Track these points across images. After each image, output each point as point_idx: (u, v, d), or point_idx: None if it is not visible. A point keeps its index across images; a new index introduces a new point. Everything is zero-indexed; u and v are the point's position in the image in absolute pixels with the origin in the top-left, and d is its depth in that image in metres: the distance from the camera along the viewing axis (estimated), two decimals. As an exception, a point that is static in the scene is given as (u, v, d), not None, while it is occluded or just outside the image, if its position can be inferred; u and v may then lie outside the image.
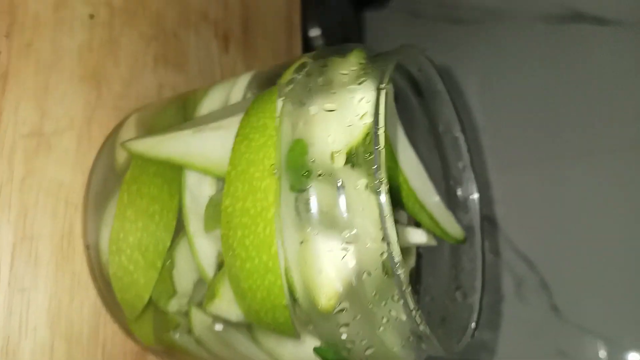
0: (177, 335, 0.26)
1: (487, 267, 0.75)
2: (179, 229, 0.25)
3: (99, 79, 0.32)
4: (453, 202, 0.30)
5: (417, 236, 0.27)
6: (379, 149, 0.18)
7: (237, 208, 0.20)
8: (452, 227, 0.29)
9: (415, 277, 0.30)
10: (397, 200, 0.28)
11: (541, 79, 0.70)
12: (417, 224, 0.30)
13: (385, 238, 0.17)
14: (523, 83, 0.70)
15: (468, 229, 0.29)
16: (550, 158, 0.68)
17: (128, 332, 0.30)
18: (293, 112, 0.20)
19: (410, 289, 0.18)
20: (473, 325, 0.25)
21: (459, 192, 0.30)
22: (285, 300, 0.20)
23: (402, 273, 0.17)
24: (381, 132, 0.18)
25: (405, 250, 0.29)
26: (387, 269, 0.18)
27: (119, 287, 0.26)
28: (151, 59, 0.36)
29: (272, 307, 0.20)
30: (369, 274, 0.19)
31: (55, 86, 0.30)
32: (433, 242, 0.28)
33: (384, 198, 0.18)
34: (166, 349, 0.28)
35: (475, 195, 0.29)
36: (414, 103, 0.30)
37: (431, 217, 0.28)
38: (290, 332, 0.21)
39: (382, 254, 0.18)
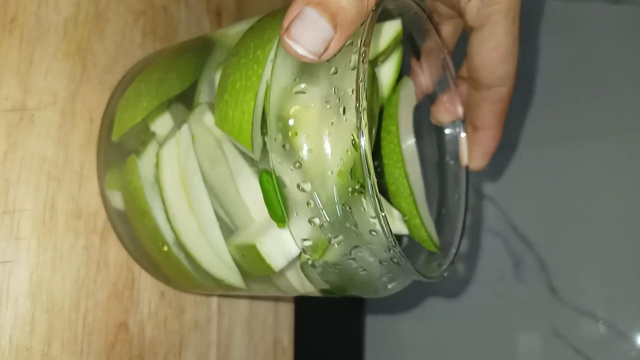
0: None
1: (486, 246, 0.74)
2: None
3: (84, 54, 0.33)
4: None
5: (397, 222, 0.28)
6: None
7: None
8: (432, 232, 0.31)
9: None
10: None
11: (549, 57, 0.68)
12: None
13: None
14: (529, 60, 0.69)
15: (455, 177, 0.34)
16: (554, 139, 0.68)
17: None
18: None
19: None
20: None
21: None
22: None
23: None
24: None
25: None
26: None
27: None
28: (139, 33, 0.36)
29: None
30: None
31: (39, 61, 0.30)
32: (405, 232, 0.29)
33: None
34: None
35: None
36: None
37: (416, 207, 0.29)
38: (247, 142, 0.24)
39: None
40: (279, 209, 0.24)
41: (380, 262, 0.24)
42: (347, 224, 0.23)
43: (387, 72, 0.34)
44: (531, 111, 0.71)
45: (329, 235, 0.24)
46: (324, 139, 0.23)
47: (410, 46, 0.34)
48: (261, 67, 0.25)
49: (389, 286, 0.26)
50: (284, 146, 0.23)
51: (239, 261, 0.28)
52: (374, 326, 0.78)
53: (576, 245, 0.67)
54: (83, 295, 0.31)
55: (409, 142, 0.35)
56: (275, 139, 0.24)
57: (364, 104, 0.22)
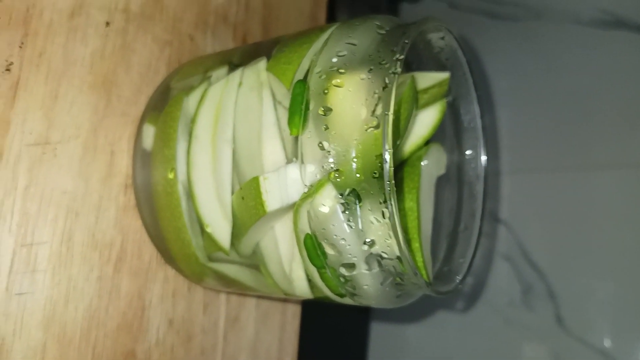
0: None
1: (496, 269, 0.74)
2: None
3: (110, 86, 0.33)
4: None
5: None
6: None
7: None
8: (427, 264, 0.32)
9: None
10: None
11: (574, 85, 0.68)
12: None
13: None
14: (555, 87, 0.68)
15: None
16: (573, 167, 0.67)
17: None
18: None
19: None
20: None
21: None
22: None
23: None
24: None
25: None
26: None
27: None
28: (164, 64, 0.36)
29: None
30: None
31: (64, 95, 0.31)
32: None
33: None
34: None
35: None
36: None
37: (419, 232, 0.31)
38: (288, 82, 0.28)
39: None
40: (298, 116, 0.26)
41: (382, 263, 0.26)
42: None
43: (427, 117, 0.36)
44: (552, 137, 0.70)
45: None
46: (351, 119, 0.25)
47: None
48: (314, 41, 0.28)
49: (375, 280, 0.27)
50: (321, 92, 0.26)
51: (236, 209, 0.29)
52: (379, 333, 0.78)
53: (587, 276, 0.66)
54: (94, 325, 0.32)
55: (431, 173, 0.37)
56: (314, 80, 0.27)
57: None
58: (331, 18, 0.57)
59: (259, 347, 0.43)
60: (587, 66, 0.67)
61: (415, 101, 0.33)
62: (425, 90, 0.34)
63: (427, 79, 0.34)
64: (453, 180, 0.39)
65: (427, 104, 0.35)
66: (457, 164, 0.39)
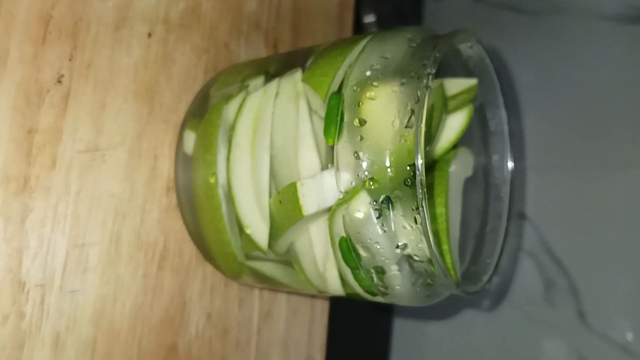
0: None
1: (518, 265, 0.75)
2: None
3: (152, 94, 0.35)
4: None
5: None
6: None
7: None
8: (455, 264, 0.34)
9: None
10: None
11: (599, 80, 0.68)
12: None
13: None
14: (579, 82, 0.68)
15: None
16: (597, 164, 0.67)
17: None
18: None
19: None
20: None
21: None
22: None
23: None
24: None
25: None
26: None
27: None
28: (202, 71, 0.38)
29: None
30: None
31: (111, 104, 0.33)
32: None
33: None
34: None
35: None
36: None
37: (447, 235, 0.33)
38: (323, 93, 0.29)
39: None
40: (334, 127, 0.28)
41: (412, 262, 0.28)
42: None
43: (455, 122, 0.37)
44: (577, 133, 0.70)
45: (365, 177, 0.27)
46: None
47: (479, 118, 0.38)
48: (347, 53, 0.30)
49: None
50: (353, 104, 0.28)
51: (274, 212, 0.31)
52: (401, 329, 0.80)
53: (609, 272, 0.67)
54: (139, 320, 0.34)
55: (459, 177, 0.38)
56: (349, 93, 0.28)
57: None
58: (357, 19, 0.59)
59: (290, 341, 0.44)
60: (611, 61, 0.68)
61: (444, 107, 0.35)
62: (454, 96, 0.35)
63: (456, 85, 0.35)
64: (480, 182, 0.40)
65: (456, 109, 0.36)
66: (483, 166, 0.40)
